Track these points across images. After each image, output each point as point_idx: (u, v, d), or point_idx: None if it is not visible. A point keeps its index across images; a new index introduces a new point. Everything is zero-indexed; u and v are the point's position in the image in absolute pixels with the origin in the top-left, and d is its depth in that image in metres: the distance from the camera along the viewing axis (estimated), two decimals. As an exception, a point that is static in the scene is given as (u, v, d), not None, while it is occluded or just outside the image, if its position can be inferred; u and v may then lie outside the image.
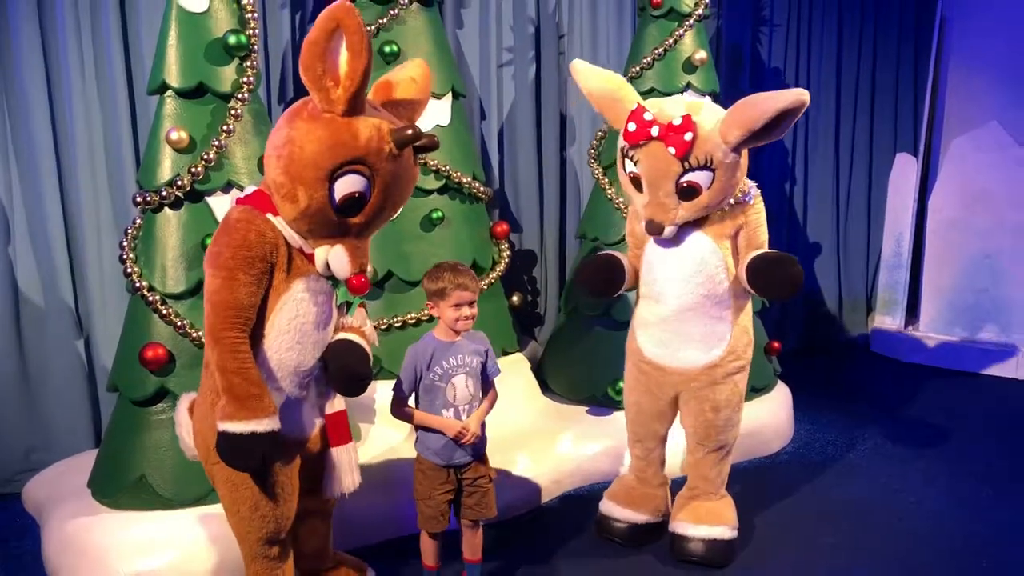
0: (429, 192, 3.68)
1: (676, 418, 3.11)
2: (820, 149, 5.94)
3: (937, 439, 4.26)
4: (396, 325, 3.59)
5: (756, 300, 4.05)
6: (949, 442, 4.21)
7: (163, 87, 2.94)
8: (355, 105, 2.08)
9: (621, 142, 2.78)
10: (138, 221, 3.00)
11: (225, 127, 2.91)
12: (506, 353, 3.92)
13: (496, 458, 2.90)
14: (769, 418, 4.07)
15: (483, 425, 2.67)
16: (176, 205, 2.93)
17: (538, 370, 4.22)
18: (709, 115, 2.68)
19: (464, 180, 3.75)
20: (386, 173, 2.14)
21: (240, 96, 2.95)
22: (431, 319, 3.38)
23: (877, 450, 4.11)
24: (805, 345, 5.98)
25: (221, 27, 2.96)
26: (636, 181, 2.77)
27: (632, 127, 2.69)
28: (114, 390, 3.04)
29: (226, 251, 2.13)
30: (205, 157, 2.88)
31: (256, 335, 2.19)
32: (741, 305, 2.92)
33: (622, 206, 3.95)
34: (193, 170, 2.87)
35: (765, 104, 2.54)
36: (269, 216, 2.18)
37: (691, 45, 4.03)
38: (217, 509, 2.69)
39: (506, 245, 4.01)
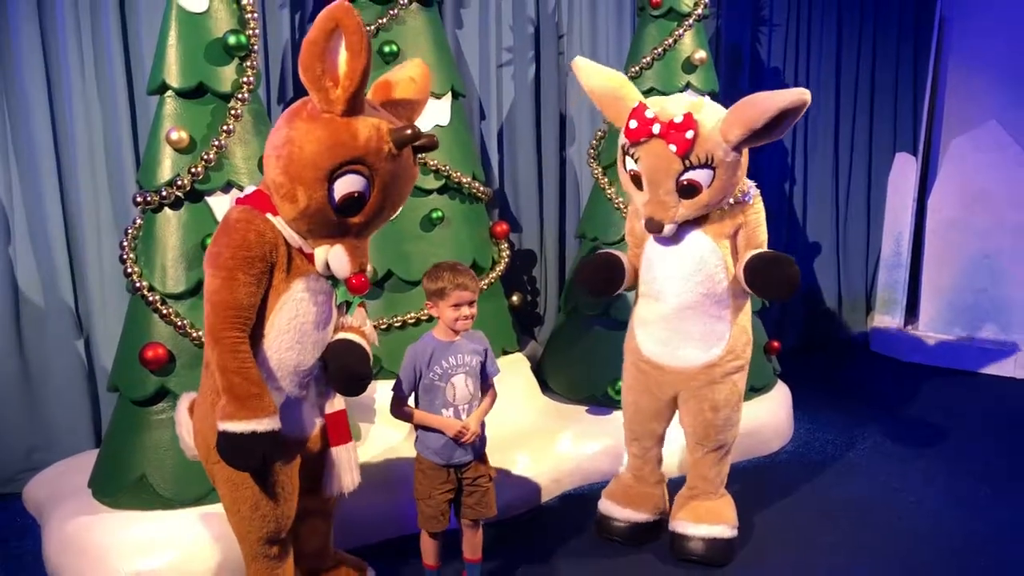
0: (429, 192, 3.68)
1: (674, 418, 3.11)
2: (819, 149, 5.94)
3: (936, 438, 4.27)
4: (396, 325, 3.59)
5: (756, 300, 4.06)
6: (948, 441, 4.22)
7: (163, 87, 2.95)
8: (354, 105, 2.08)
9: (622, 139, 2.78)
10: (138, 221, 3.01)
11: (225, 127, 2.91)
12: (506, 353, 3.93)
13: (496, 457, 2.91)
14: (769, 417, 4.08)
15: (483, 424, 2.68)
16: (176, 205, 2.93)
17: (538, 370, 4.23)
18: (710, 114, 2.69)
19: (464, 180, 3.75)
20: (385, 173, 2.14)
21: (240, 96, 2.95)
22: (431, 319, 3.38)
23: (876, 449, 4.12)
24: (805, 344, 5.99)
25: (221, 27, 2.96)
26: (636, 179, 2.78)
27: (633, 124, 2.69)
28: (114, 390, 3.05)
29: (226, 251, 2.13)
30: (205, 157, 2.88)
31: (256, 335, 2.19)
32: (740, 305, 2.93)
33: (622, 206, 3.95)
34: (193, 170, 2.87)
35: (766, 103, 2.54)
36: (269, 216, 2.18)
37: (690, 45, 4.03)
38: (217, 509, 2.69)
39: (506, 245, 4.02)
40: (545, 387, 4.17)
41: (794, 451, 4.10)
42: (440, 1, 4.04)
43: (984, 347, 5.46)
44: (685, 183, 2.68)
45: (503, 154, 4.77)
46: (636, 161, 2.74)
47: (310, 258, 2.23)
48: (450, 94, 3.80)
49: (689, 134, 2.61)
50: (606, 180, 4.09)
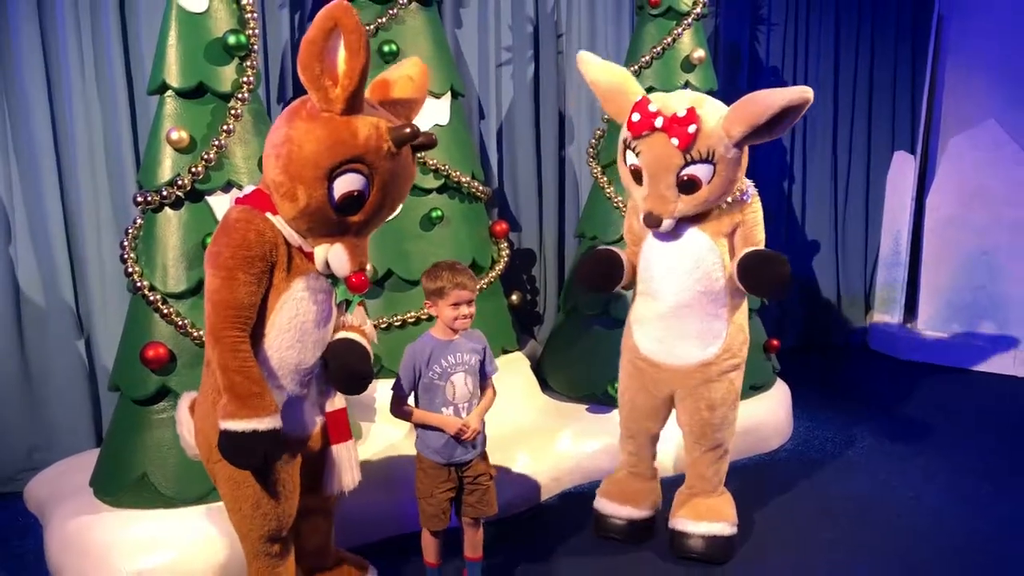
0: (428, 191, 3.69)
1: (670, 417, 3.12)
2: (818, 148, 5.95)
3: (935, 436, 4.28)
4: (396, 324, 3.60)
5: (754, 298, 4.07)
6: (947, 439, 4.23)
7: (163, 87, 2.95)
8: (353, 104, 2.09)
9: (624, 133, 2.79)
10: (139, 221, 3.01)
11: (225, 127, 2.92)
12: (506, 352, 3.93)
13: (496, 456, 2.91)
14: (768, 416, 4.09)
15: (483, 422, 2.68)
16: (176, 205, 2.94)
17: (537, 368, 4.24)
18: (712, 110, 2.70)
19: (463, 179, 3.76)
20: (385, 171, 2.15)
21: (240, 96, 2.96)
22: (431, 318, 3.38)
23: (876, 447, 4.13)
24: (804, 343, 6.00)
25: (221, 27, 2.96)
26: (637, 174, 2.78)
27: (636, 117, 2.70)
28: (115, 389, 3.05)
29: (226, 251, 2.14)
30: (205, 157, 2.89)
31: (256, 334, 2.20)
32: (737, 303, 2.94)
33: (621, 205, 3.96)
34: (193, 170, 2.88)
35: (769, 100, 2.55)
36: (268, 215, 2.19)
37: (689, 44, 4.04)
38: (219, 507, 2.70)
39: (505, 244, 4.03)
40: (545, 386, 4.18)
41: (793, 449, 4.11)
42: (439, 1, 4.05)
43: (983, 344, 5.47)
44: (685, 178, 2.69)
45: (502, 153, 4.78)
46: (637, 155, 2.75)
47: (310, 257, 2.23)
48: (449, 93, 3.81)
49: (692, 128, 2.62)
50: (605, 179, 4.10)
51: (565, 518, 3.36)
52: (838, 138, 6.01)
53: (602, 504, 3.21)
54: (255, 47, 3.01)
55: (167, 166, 2.93)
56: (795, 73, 5.75)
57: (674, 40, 4.00)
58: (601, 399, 3.91)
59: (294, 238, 2.21)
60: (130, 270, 2.92)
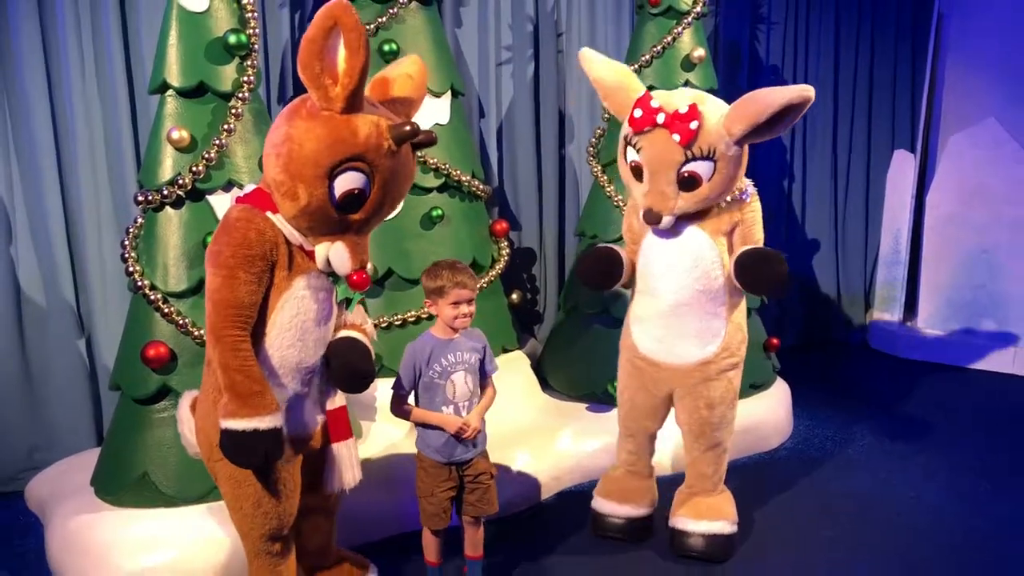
0: (429, 190, 3.70)
1: (668, 416, 3.13)
2: (818, 146, 5.95)
3: (935, 434, 4.28)
4: (396, 323, 3.60)
5: (755, 297, 4.07)
6: (947, 437, 4.23)
7: (164, 86, 2.96)
8: (353, 102, 2.09)
9: (625, 129, 2.79)
10: (139, 220, 3.01)
11: (226, 126, 2.92)
12: (506, 351, 3.94)
13: (496, 455, 2.92)
14: (768, 414, 4.09)
15: (483, 421, 2.69)
16: (177, 204, 2.94)
17: (538, 367, 4.24)
18: (714, 107, 2.71)
19: (463, 178, 3.77)
20: (385, 169, 2.15)
21: (241, 95, 2.96)
22: (431, 317, 3.39)
23: (876, 445, 4.13)
24: (804, 342, 6.00)
25: (221, 26, 2.97)
26: (637, 170, 2.79)
27: (638, 113, 2.71)
28: (116, 389, 3.06)
29: (226, 250, 2.14)
30: (206, 156, 2.89)
31: (258, 333, 2.20)
32: (736, 302, 2.94)
33: (621, 203, 3.96)
34: (194, 169, 2.88)
35: (770, 98, 2.56)
36: (269, 214, 2.19)
37: (689, 43, 4.04)
38: (219, 506, 2.70)
39: (505, 243, 4.03)
40: (545, 385, 4.18)
41: (793, 447, 4.12)
42: (439, 0, 4.05)
43: (982, 343, 5.47)
44: (686, 175, 2.69)
45: (502, 152, 4.78)
46: (638, 151, 2.75)
47: (311, 255, 2.23)
48: (449, 93, 3.81)
49: (693, 124, 2.62)
50: (605, 178, 4.10)
51: (566, 517, 3.36)
52: (838, 136, 6.01)
53: (600, 503, 3.22)
54: (256, 46, 3.01)
55: (168, 165, 2.93)
56: (795, 72, 5.75)
57: (674, 39, 4.00)
58: (601, 398, 3.91)
59: (295, 237, 2.21)
60: (131, 269, 2.92)
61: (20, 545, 3.18)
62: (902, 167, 5.96)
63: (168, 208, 2.94)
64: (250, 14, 3.00)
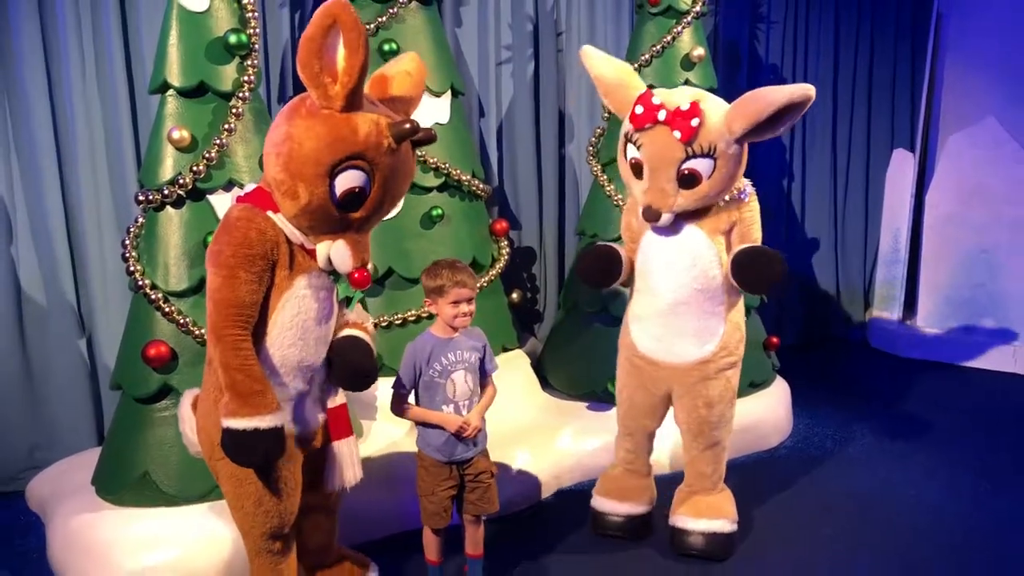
0: (429, 190, 3.70)
1: (667, 415, 3.13)
2: (818, 146, 5.96)
3: (935, 433, 4.28)
4: (397, 322, 3.61)
5: (754, 296, 4.08)
6: (947, 436, 4.24)
7: (164, 86, 2.96)
8: (353, 101, 2.09)
9: (626, 126, 2.80)
10: (140, 219, 3.02)
11: (226, 126, 2.93)
12: (506, 349, 3.95)
13: (497, 454, 2.92)
14: (768, 413, 4.10)
15: (483, 420, 2.69)
16: (178, 203, 2.94)
17: (538, 366, 4.25)
18: (714, 105, 2.72)
19: (463, 178, 3.77)
20: (385, 167, 2.15)
21: (241, 95, 2.96)
22: (431, 316, 3.39)
23: (875, 444, 4.14)
24: (803, 340, 6.00)
25: (222, 26, 2.97)
26: (637, 167, 2.79)
27: (640, 110, 2.71)
28: (117, 388, 3.06)
29: (227, 249, 2.14)
30: (207, 156, 2.89)
31: (259, 332, 2.20)
32: (733, 302, 2.95)
33: (620, 202, 3.97)
34: (195, 168, 2.89)
35: (771, 96, 2.57)
36: (270, 214, 2.19)
37: (689, 42, 4.05)
38: (220, 505, 2.71)
39: (505, 242, 4.04)
40: (545, 383, 4.19)
41: (793, 446, 4.12)
42: (439, 0, 4.06)
43: (982, 341, 5.47)
44: (686, 172, 2.70)
45: (502, 152, 4.79)
46: (639, 148, 2.76)
47: (312, 254, 2.24)
48: (449, 92, 3.81)
49: (695, 122, 2.63)
50: (605, 177, 4.10)
51: (566, 516, 3.37)
52: (837, 136, 6.02)
53: (599, 502, 3.22)
54: (256, 46, 3.01)
55: (168, 165, 2.93)
56: (794, 71, 5.76)
57: (674, 38, 4.01)
58: (601, 397, 3.92)
59: (296, 236, 2.22)
60: (131, 269, 2.92)
61: (21, 544, 3.18)
62: (901, 166, 5.96)
63: (169, 207, 2.94)
64: (250, 14, 3.01)
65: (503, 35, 4.66)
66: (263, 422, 2.13)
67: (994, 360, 5.39)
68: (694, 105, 2.64)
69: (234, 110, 2.95)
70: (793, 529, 3.25)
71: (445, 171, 3.70)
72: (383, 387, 3.35)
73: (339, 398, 2.44)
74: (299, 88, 4.00)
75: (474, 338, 2.67)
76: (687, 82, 4.03)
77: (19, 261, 3.58)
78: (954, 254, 5.64)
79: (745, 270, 2.76)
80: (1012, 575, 2.95)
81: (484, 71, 4.62)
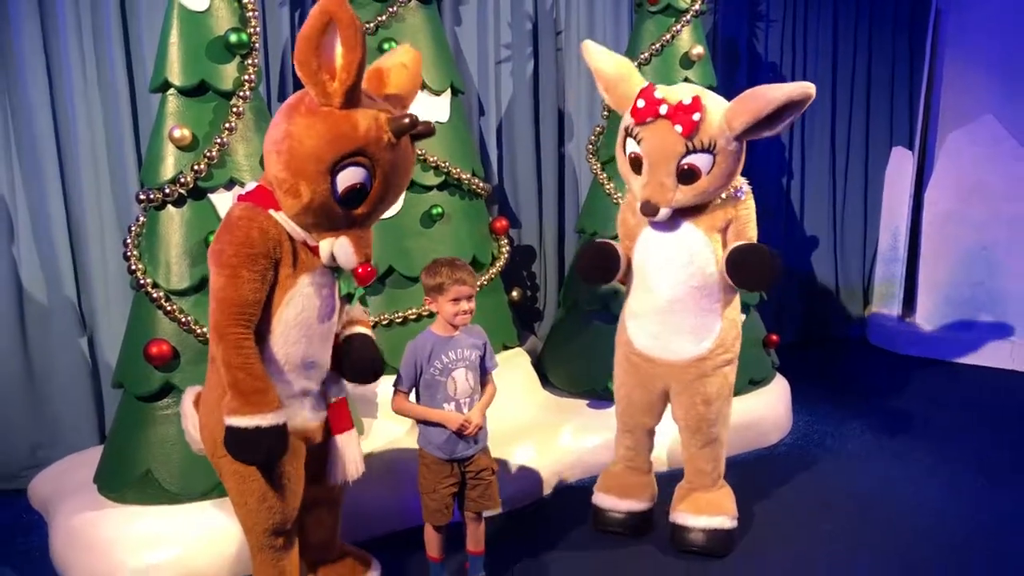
0: (429, 188, 3.71)
1: (665, 412, 3.14)
2: (816, 144, 5.97)
3: (934, 430, 4.29)
4: (397, 321, 3.62)
5: (753, 294, 4.09)
6: (946, 433, 4.24)
7: (165, 85, 2.97)
8: (352, 98, 2.10)
9: (626, 121, 2.81)
10: (141, 218, 3.03)
11: (227, 124, 2.94)
12: (506, 348, 3.95)
13: (497, 451, 2.93)
14: (767, 410, 4.10)
15: (484, 418, 2.70)
16: (179, 202, 2.95)
17: (538, 364, 4.26)
18: (715, 102, 2.73)
19: (463, 176, 3.78)
20: (386, 162, 2.16)
21: (242, 94, 2.97)
22: (432, 314, 3.41)
23: (874, 441, 4.15)
24: (803, 338, 6.01)
25: (222, 25, 2.98)
26: (636, 162, 2.80)
27: (641, 103, 2.72)
28: (119, 386, 3.07)
29: (229, 249, 2.15)
30: (208, 154, 2.90)
31: (263, 330, 2.21)
32: (730, 298, 2.95)
33: (620, 201, 3.97)
34: (196, 167, 2.89)
35: (772, 93, 2.58)
36: (272, 212, 2.20)
37: (688, 41, 4.05)
38: (223, 503, 2.72)
39: (505, 241, 4.04)
40: (545, 381, 4.20)
41: (793, 443, 4.13)
42: (439, -2, 4.07)
43: (981, 339, 5.48)
44: (685, 167, 2.71)
45: (502, 150, 4.79)
46: (639, 142, 2.77)
47: (315, 251, 2.25)
48: (449, 91, 3.82)
49: (696, 116, 2.64)
50: (604, 175, 4.11)
51: (566, 513, 3.37)
52: (836, 134, 6.03)
53: (601, 499, 3.23)
54: (256, 45, 3.02)
55: (169, 164, 2.94)
56: (793, 69, 5.76)
57: (673, 37, 4.02)
58: (601, 394, 3.92)
59: (298, 233, 2.22)
60: (133, 267, 2.93)
61: (23, 543, 3.19)
62: (900, 164, 5.97)
63: (170, 206, 2.95)
64: (251, 13, 3.01)
65: (502, 34, 4.66)
66: (264, 420, 2.14)
67: (992, 357, 5.40)
68: (696, 100, 2.66)
69: (235, 109, 2.96)
70: (793, 526, 3.26)
71: (445, 170, 3.71)
72: (384, 385, 3.36)
73: (340, 393, 2.46)
74: (299, 87, 4.00)
75: (474, 336, 2.68)
76: (686, 80, 4.03)
77: (20, 260, 3.59)
78: (953, 251, 5.65)
79: (739, 267, 2.77)
80: (1011, 571, 2.96)
81: (484, 70, 4.63)
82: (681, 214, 2.83)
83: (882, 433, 4.25)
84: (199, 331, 2.87)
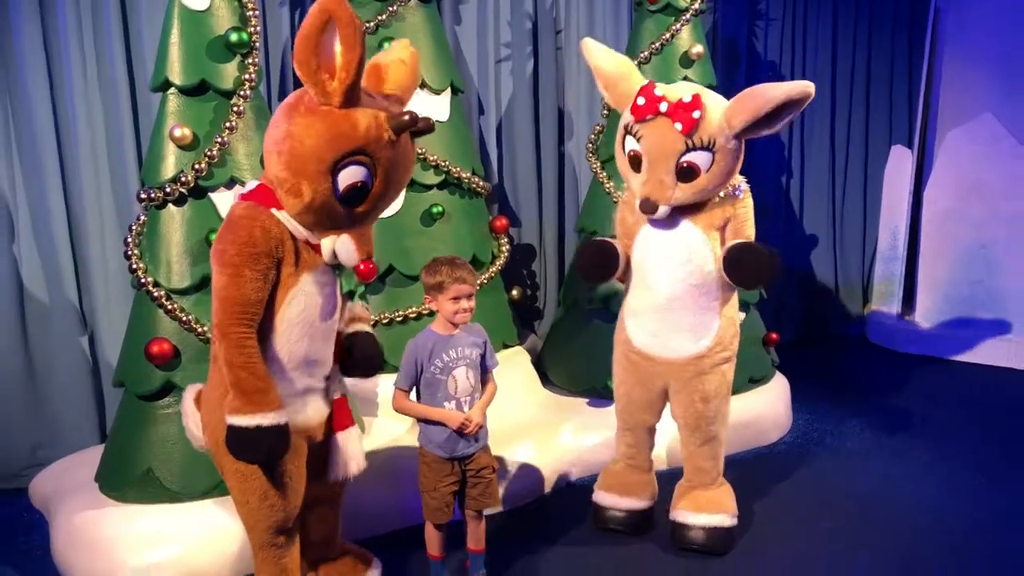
0: (429, 187, 3.71)
1: (665, 410, 3.15)
2: (816, 142, 5.97)
3: (933, 428, 4.30)
4: (397, 319, 3.62)
5: (753, 292, 4.09)
6: (945, 431, 4.25)
7: (166, 84, 2.97)
8: (351, 96, 2.10)
9: (626, 118, 2.81)
10: (142, 217, 3.03)
11: (228, 123, 2.94)
12: (506, 346, 3.96)
13: (498, 450, 2.94)
14: (767, 409, 4.11)
15: (484, 416, 2.70)
16: (180, 201, 2.95)
17: (538, 363, 4.26)
18: (714, 101, 2.74)
19: (463, 175, 3.78)
20: (386, 160, 2.17)
21: (242, 93, 2.97)
22: (432, 313, 3.41)
23: (874, 439, 4.15)
24: (802, 336, 6.03)
25: (223, 25, 2.98)
26: (635, 160, 2.81)
27: (641, 101, 2.73)
28: (120, 385, 3.07)
29: (231, 248, 2.15)
30: (208, 153, 2.90)
31: (266, 329, 2.22)
32: (728, 297, 2.96)
33: (620, 199, 3.98)
34: (197, 166, 2.90)
35: (771, 92, 2.59)
36: (273, 211, 2.20)
37: (688, 39, 4.06)
38: (224, 501, 2.73)
39: (505, 239, 4.05)
40: (545, 380, 4.20)
41: (792, 442, 4.14)
42: (439, -3, 4.07)
43: (980, 337, 5.49)
44: (685, 165, 2.71)
45: (502, 149, 4.80)
46: (638, 140, 2.77)
47: (317, 249, 2.25)
48: (449, 90, 3.83)
49: (696, 114, 2.65)
50: (604, 174, 4.12)
51: (567, 511, 3.38)
52: (836, 132, 6.04)
53: (601, 497, 3.24)
54: (257, 44, 3.02)
55: (170, 163, 2.94)
56: (793, 68, 5.77)
57: (672, 36, 4.02)
58: (601, 393, 3.93)
59: (300, 232, 2.23)
60: (134, 266, 2.94)
61: (25, 542, 3.20)
62: (900, 162, 5.98)
63: (171, 205, 2.95)
64: (251, 12, 3.01)
65: (502, 33, 4.67)
66: (265, 419, 2.14)
67: (991, 355, 5.41)
68: (696, 98, 2.66)
69: (235, 108, 2.96)
70: (792, 524, 3.27)
71: (445, 169, 3.71)
72: (384, 384, 3.37)
73: (341, 390, 2.47)
74: (299, 85, 4.01)
75: (475, 334, 2.69)
76: (686, 79, 4.03)
77: (21, 259, 3.60)
78: (952, 250, 5.66)
79: (736, 265, 2.77)
80: (1009, 569, 2.97)
81: (484, 69, 4.63)
82: (680, 212, 2.83)
83: (881, 431, 4.25)
84: (200, 330, 2.88)
